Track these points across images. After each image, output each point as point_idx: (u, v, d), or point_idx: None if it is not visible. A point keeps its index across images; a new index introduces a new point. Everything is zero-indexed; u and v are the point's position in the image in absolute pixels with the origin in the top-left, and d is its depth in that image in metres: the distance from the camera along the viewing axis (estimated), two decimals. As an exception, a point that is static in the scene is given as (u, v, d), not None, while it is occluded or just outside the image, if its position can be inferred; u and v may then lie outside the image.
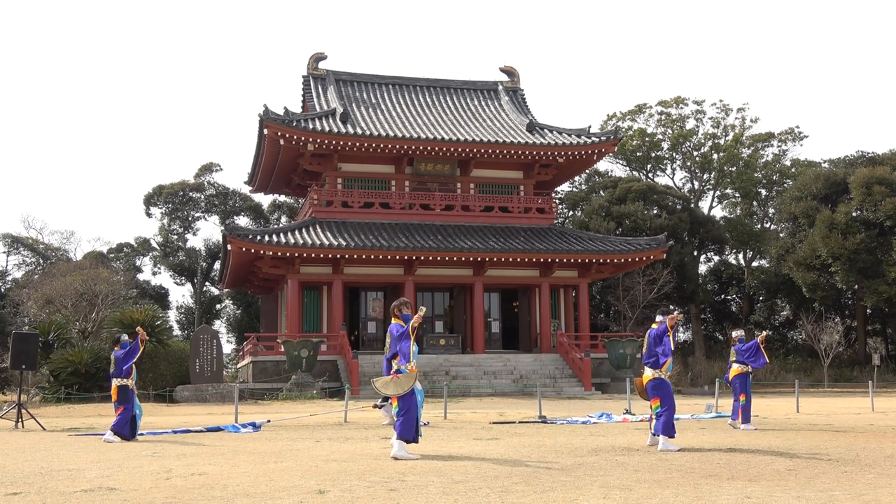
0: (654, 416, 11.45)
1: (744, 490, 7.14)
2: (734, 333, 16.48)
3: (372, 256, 35.19)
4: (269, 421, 17.15)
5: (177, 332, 54.06)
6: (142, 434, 14.56)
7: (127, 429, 13.74)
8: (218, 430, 15.67)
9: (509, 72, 45.59)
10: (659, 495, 6.86)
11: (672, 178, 61.90)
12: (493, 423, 17.32)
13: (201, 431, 15.45)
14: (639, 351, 31.85)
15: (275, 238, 34.71)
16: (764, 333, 16.19)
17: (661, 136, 60.83)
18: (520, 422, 17.48)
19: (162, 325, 35.75)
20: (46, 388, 30.80)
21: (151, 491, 7.44)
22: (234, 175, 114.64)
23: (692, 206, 55.85)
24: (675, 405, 11.25)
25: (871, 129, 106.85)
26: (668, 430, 11.11)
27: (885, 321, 52.90)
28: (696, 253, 54.88)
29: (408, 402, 10.33)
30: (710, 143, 60.29)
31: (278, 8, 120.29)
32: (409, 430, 10.23)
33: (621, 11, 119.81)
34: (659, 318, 11.58)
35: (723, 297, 59.19)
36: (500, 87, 44.85)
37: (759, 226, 60.60)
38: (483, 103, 43.95)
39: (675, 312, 11.73)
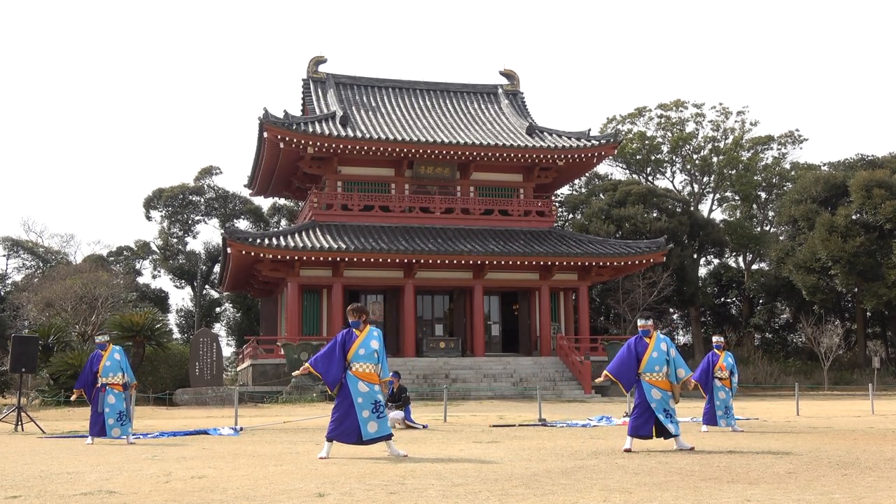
0: None
1: (744, 493, 7.14)
2: (714, 339, 16.82)
3: (372, 259, 35.21)
4: (242, 429, 16.84)
5: (176, 335, 54.03)
6: (138, 437, 14.61)
7: (95, 428, 13.94)
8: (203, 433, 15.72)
9: (509, 75, 45.60)
10: (659, 498, 6.86)
11: (672, 182, 62.00)
12: (493, 425, 17.32)
13: (189, 434, 15.51)
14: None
15: (274, 241, 34.73)
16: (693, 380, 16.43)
17: (660, 140, 60.87)
18: (520, 425, 17.48)
19: (162, 329, 35.77)
20: (46, 392, 30.82)
21: (151, 494, 7.43)
22: (234, 178, 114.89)
23: (692, 209, 55.87)
24: (647, 406, 11.27)
25: (871, 132, 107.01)
26: (630, 429, 11.36)
27: (884, 324, 52.89)
28: (695, 256, 54.90)
29: (340, 403, 10.27)
30: (709, 146, 60.34)
31: (278, 11, 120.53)
32: (332, 430, 10.20)
33: (621, 15, 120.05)
34: (641, 321, 11.70)
35: (723, 299, 59.17)
36: (500, 91, 44.86)
37: (758, 229, 60.63)
38: (483, 106, 43.97)
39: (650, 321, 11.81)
